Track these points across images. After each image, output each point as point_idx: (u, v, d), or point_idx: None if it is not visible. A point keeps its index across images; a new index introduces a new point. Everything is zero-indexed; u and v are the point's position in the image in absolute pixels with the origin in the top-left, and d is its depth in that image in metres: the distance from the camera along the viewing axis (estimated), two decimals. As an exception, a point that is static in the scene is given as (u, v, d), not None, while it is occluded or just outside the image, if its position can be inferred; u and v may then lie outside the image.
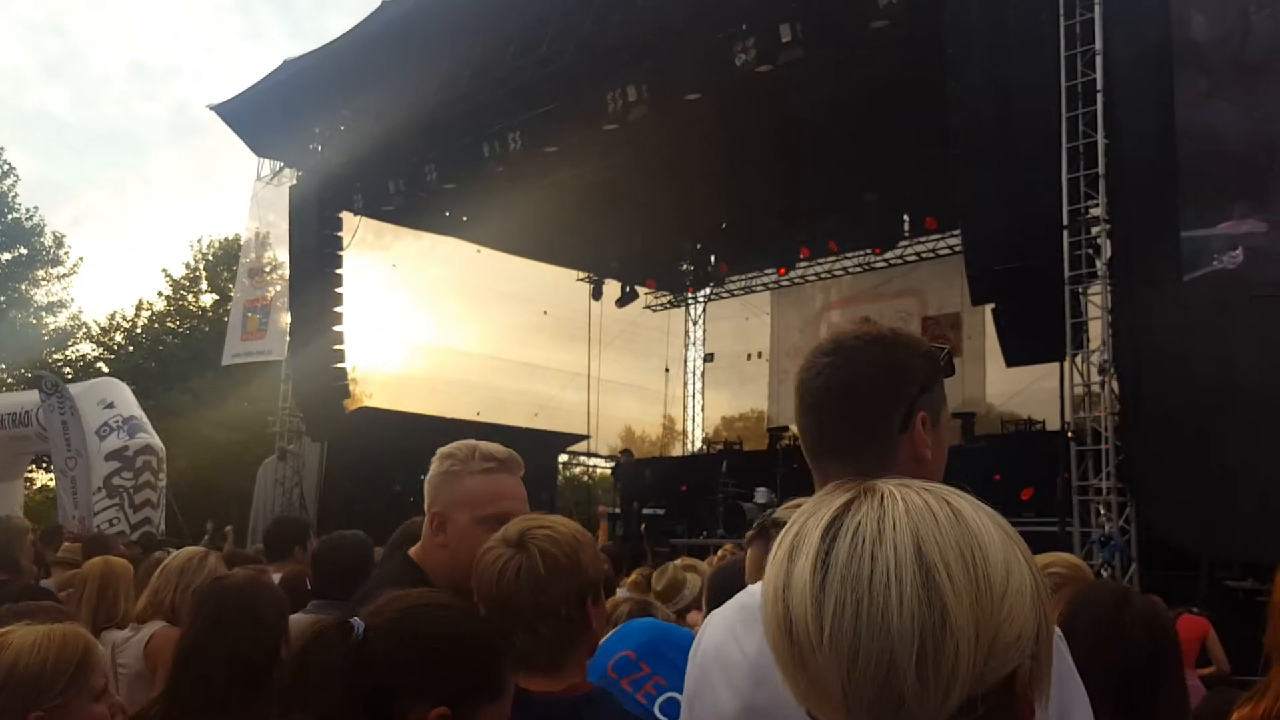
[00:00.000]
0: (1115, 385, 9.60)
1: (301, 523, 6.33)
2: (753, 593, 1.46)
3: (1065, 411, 10.07)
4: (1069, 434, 9.86)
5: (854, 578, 0.79)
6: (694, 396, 24.17)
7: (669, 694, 2.29)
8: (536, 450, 19.71)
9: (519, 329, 21.76)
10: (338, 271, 17.92)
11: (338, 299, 17.85)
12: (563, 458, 24.17)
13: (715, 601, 2.00)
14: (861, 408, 1.43)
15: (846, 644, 0.78)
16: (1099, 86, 9.65)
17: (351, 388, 19.48)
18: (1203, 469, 9.36)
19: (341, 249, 18.07)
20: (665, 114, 14.23)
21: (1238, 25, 9.00)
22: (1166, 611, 2.21)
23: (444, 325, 21.30)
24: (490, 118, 15.10)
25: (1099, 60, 9.68)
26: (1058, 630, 1.23)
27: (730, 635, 1.46)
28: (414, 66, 14.62)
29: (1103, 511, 9.44)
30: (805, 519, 0.86)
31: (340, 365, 17.99)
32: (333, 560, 3.78)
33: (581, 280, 22.21)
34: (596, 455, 23.87)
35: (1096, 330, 9.91)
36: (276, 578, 4.43)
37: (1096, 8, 9.68)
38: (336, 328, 17.77)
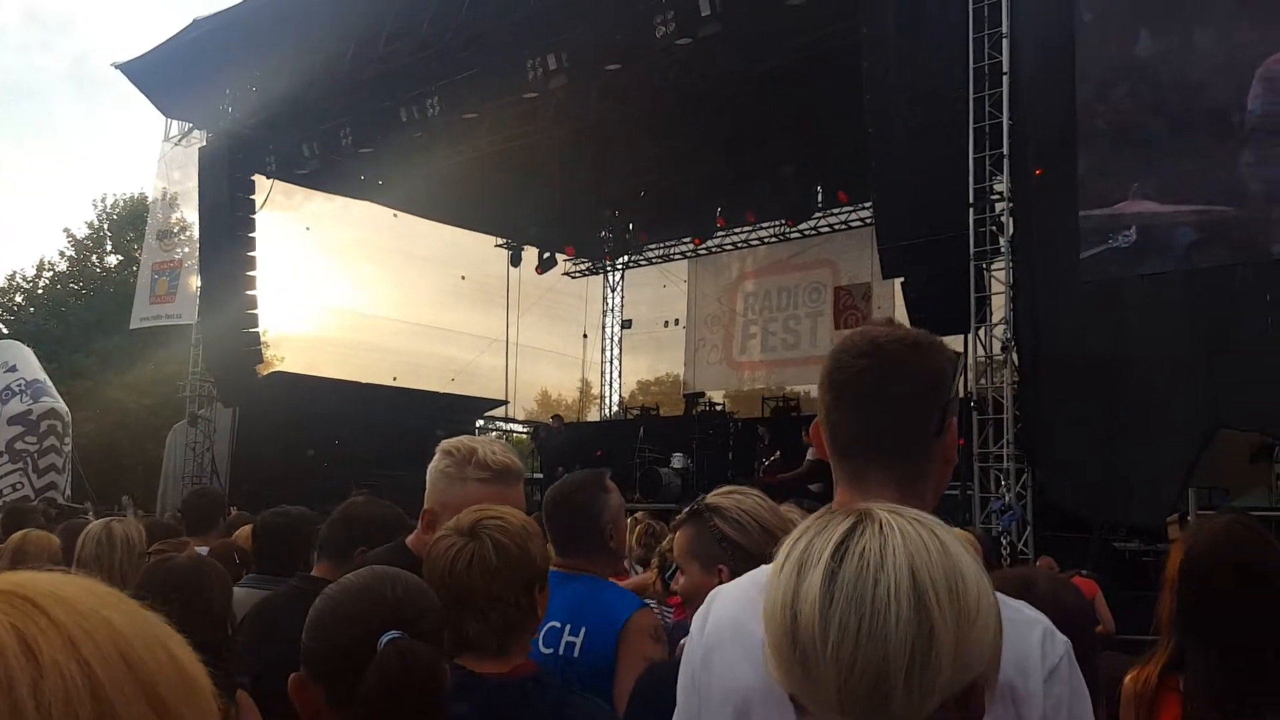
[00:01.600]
0: (1015, 357, 9.99)
1: (220, 495, 6.31)
2: (766, 570, 1.50)
3: (968, 381, 10.44)
4: (971, 403, 10.22)
5: (859, 597, 0.91)
6: (611, 362, 24.33)
7: (549, 624, 2.44)
8: (452, 415, 19.71)
9: (436, 293, 21.59)
10: (250, 235, 17.54)
11: (250, 262, 17.48)
12: (479, 423, 24.15)
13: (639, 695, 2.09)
14: (909, 412, 1.46)
15: (848, 654, 0.90)
16: (1005, 69, 9.96)
17: (264, 352, 19.18)
18: (1094, 438, 9.83)
19: (254, 212, 17.69)
20: (585, 83, 14.23)
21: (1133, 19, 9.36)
22: (1070, 589, 2.35)
23: (359, 289, 21.05)
24: (408, 82, 14.90)
25: (1005, 43, 9.98)
26: (1069, 645, 1.34)
27: (751, 610, 1.42)
28: (329, 28, 14.31)
29: (1002, 479, 9.85)
30: (812, 537, 0.98)
31: (252, 329, 17.66)
32: (280, 536, 3.79)
33: (500, 246, 22.13)
34: (514, 420, 23.89)
35: (1000, 304, 10.29)
36: (204, 550, 4.45)
37: (1004, -9, 9.98)
38: (249, 291, 17.42)
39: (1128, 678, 2.23)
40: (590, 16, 12.97)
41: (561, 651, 2.49)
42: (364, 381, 19.39)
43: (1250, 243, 8.86)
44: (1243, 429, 12.24)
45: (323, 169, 17.18)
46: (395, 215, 19.97)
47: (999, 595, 1.03)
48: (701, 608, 1.54)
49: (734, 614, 1.46)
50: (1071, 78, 9.59)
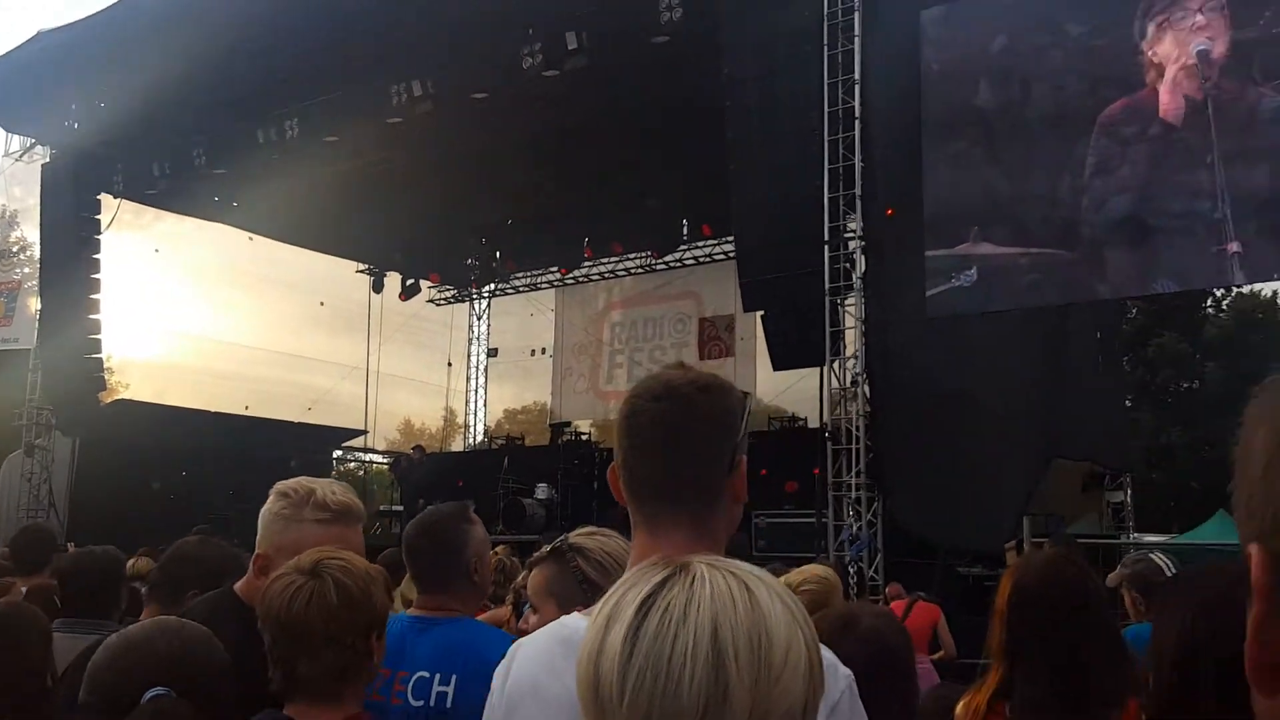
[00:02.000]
0: (866, 389, 10.36)
1: (51, 531, 5.97)
2: (567, 624, 1.50)
3: (824, 412, 10.77)
4: (825, 434, 10.55)
5: (657, 654, 0.92)
6: (476, 391, 24.10)
7: (416, 675, 2.39)
8: (309, 445, 19.20)
9: (293, 320, 21.09)
10: (94, 256, 16.74)
11: (94, 284, 16.69)
12: (337, 452, 23.56)
13: None
14: (700, 453, 1.49)
15: (642, 711, 0.91)
16: (857, 114, 10.41)
17: (108, 379, 18.31)
18: (939, 467, 10.29)
19: (99, 232, 16.89)
20: (451, 110, 14.15)
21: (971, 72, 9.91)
22: (895, 627, 2.42)
23: (211, 314, 20.39)
24: (266, 103, 14.55)
25: (857, 89, 10.43)
26: (851, 679, 1.44)
27: (548, 668, 1.45)
28: (182, 45, 13.84)
29: (852, 507, 10.18)
30: (625, 591, 0.99)
31: (96, 355, 16.83)
32: (80, 577, 3.59)
33: (361, 272, 21.70)
34: (373, 450, 23.40)
35: (853, 338, 10.67)
36: (24, 590, 4.23)
37: (856, 40, 10.43)
38: (93, 315, 16.61)
39: (959, 706, 2.32)
40: (457, 44, 12.95)
41: (433, 703, 2.38)
42: (214, 410, 18.70)
43: (1081, 284, 9.46)
44: (1075, 459, 13.02)
45: (174, 189, 16.58)
46: (251, 238, 19.38)
47: None
48: (503, 663, 1.53)
49: (533, 673, 1.46)
50: (918, 124, 10.08)
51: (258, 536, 2.21)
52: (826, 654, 1.33)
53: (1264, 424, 0.57)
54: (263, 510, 2.22)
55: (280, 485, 2.23)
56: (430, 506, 2.87)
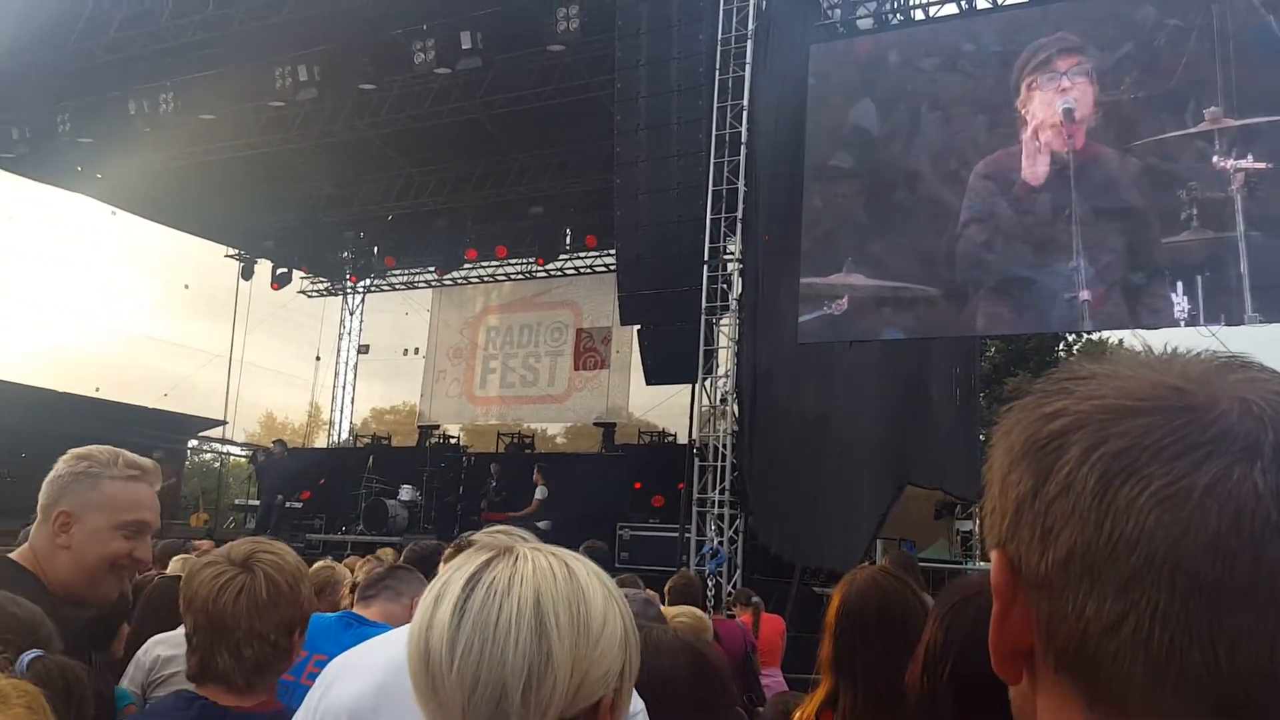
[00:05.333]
0: (735, 408, 10.63)
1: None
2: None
3: (693, 428, 10.99)
4: (694, 449, 10.77)
5: (483, 623, 0.99)
6: (344, 387, 23.61)
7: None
8: (164, 433, 18.51)
9: (154, 302, 20.33)
10: (-62, 219, 15.87)
11: (-65, 250, 15.81)
12: (192, 442, 22.76)
13: None
14: None
15: (470, 675, 0.98)
16: (743, 139, 10.70)
17: (-56, 349, 17.32)
18: (800, 488, 10.63)
19: (-55, 194, 16.04)
20: (336, 99, 13.98)
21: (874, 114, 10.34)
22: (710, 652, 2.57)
23: (65, 290, 19.43)
24: (141, 73, 14.08)
25: (745, 115, 10.73)
26: (643, 706, 1.55)
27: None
28: (54, 4, 13.31)
29: (715, 523, 10.41)
30: (453, 572, 1.06)
31: (-68, 325, 15.93)
32: None
33: (231, 257, 21.06)
34: (231, 442, 22.70)
35: (726, 357, 10.93)
36: None
37: (747, 67, 10.73)
38: (-69, 282, 15.72)
39: (794, 717, 2.44)
40: (347, 33, 12.79)
41: None
42: (62, 391, 17.86)
43: (945, 321, 9.94)
44: (927, 487, 13.61)
45: (33, 155, 15.86)
46: (114, 213, 18.63)
47: None
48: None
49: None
50: (801, 155, 10.44)
51: (44, 500, 2.14)
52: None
53: (1001, 444, 0.66)
54: (57, 473, 2.16)
55: (77, 450, 2.18)
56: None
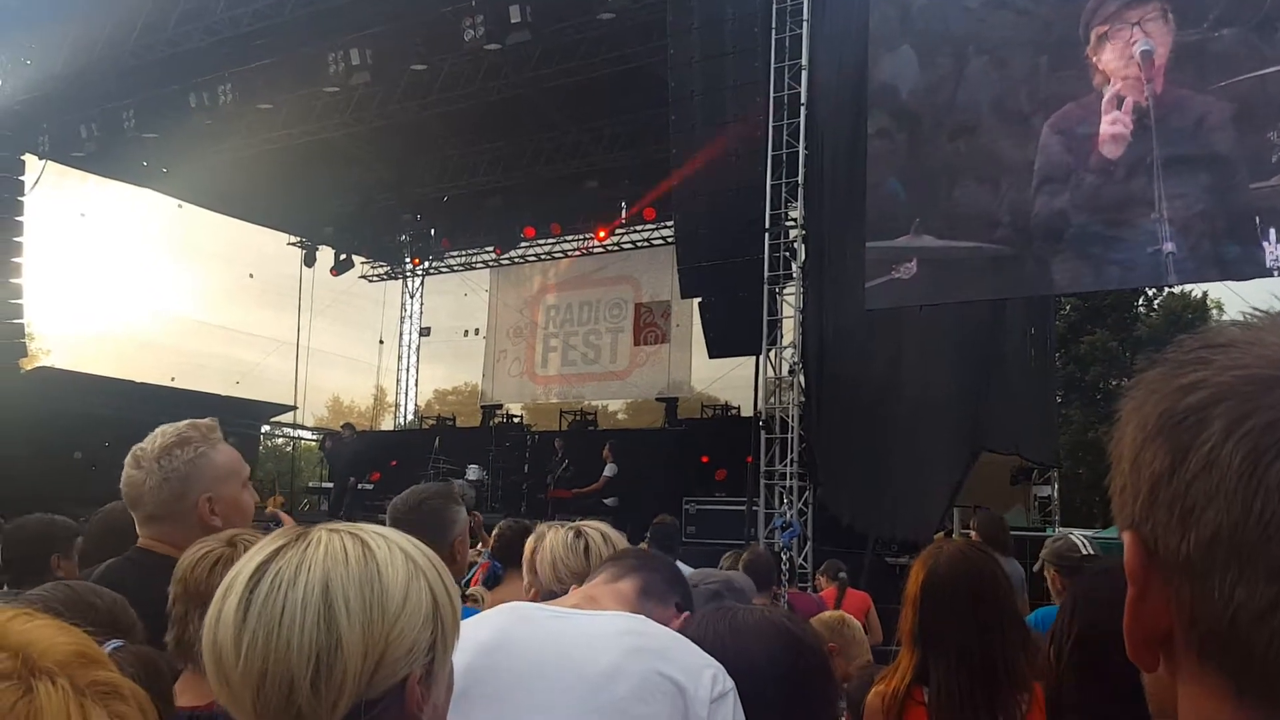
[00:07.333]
0: (801, 379, 10.25)
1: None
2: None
3: (758, 400, 10.65)
4: (760, 422, 10.43)
5: (268, 615, 0.98)
6: (407, 370, 23.63)
7: None
8: (238, 419, 18.58)
9: (222, 291, 20.44)
10: (17, 218, 16.13)
11: (16, 248, 16.07)
12: (265, 428, 22.95)
13: None
14: None
15: (256, 670, 0.97)
16: (803, 100, 10.24)
17: (28, 345, 17.61)
18: (870, 457, 10.24)
19: (23, 193, 16.31)
20: (388, 81, 13.77)
21: (942, 70, 9.78)
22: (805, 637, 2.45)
23: (138, 282, 19.63)
24: (199, 67, 14.00)
25: (804, 75, 10.26)
26: (735, 689, 1.54)
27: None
28: (114, 3, 13.27)
29: (784, 496, 10.07)
30: (244, 562, 1.04)
31: (17, 320, 16.23)
32: (19, 546, 3.37)
33: (293, 245, 21.10)
34: (302, 427, 22.83)
35: (790, 327, 10.55)
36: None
37: (805, 25, 10.25)
38: (14, 280, 15.98)
39: (871, 693, 2.39)
40: (397, 14, 12.55)
41: None
42: (140, 381, 18.04)
43: (1019, 280, 9.42)
44: (1003, 453, 13.11)
45: (102, 152, 15.96)
46: (180, 206, 18.76)
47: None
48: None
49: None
50: (864, 114, 9.95)
51: (175, 491, 2.21)
52: (714, 664, 1.56)
53: (1132, 420, 0.62)
54: (172, 467, 2.21)
55: (169, 435, 2.26)
56: (416, 486, 2.91)
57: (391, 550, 1.05)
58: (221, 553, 1.84)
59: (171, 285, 19.97)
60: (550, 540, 2.55)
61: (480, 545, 5.84)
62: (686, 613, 1.97)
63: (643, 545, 5.05)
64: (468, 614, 2.52)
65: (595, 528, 2.58)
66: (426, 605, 1.04)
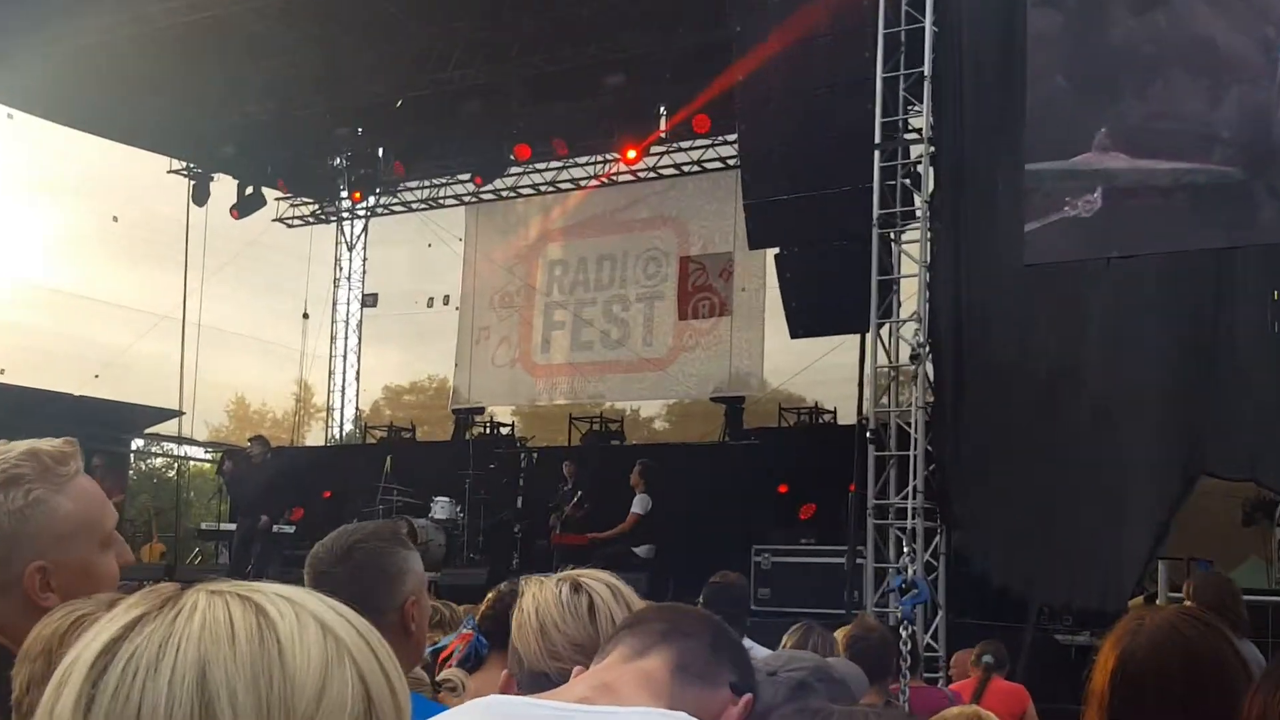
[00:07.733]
0: (930, 369, 10.27)
1: None
2: None
3: (864, 402, 10.68)
4: (866, 432, 10.47)
5: (119, 716, 0.95)
6: (344, 357, 23.89)
7: None
8: (97, 430, 18.85)
9: (73, 242, 20.67)
10: None
11: None
12: (137, 443, 23.28)
13: None
14: None
15: None
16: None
17: None
18: (1032, 485, 10.22)
19: None
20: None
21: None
22: None
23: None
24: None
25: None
26: None
27: None
28: None
29: (904, 543, 10.11)
30: (85, 643, 1.02)
31: None
32: None
33: (176, 173, 21.35)
34: (191, 441, 23.14)
35: (912, 291, 10.57)
36: None
37: None
38: None
39: None
40: None
41: None
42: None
43: (1261, 220, 9.37)
44: (1232, 478, 12.99)
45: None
46: (10, 116, 19.03)
47: None
48: None
49: None
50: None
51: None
52: None
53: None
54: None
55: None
56: (347, 526, 2.92)
57: (302, 621, 1.03)
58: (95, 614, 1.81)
59: (-1, 233, 20.28)
60: (535, 597, 2.52)
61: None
62: (747, 696, 1.96)
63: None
64: (427, 711, 2.56)
65: (598, 578, 2.57)
66: (354, 702, 1.01)
